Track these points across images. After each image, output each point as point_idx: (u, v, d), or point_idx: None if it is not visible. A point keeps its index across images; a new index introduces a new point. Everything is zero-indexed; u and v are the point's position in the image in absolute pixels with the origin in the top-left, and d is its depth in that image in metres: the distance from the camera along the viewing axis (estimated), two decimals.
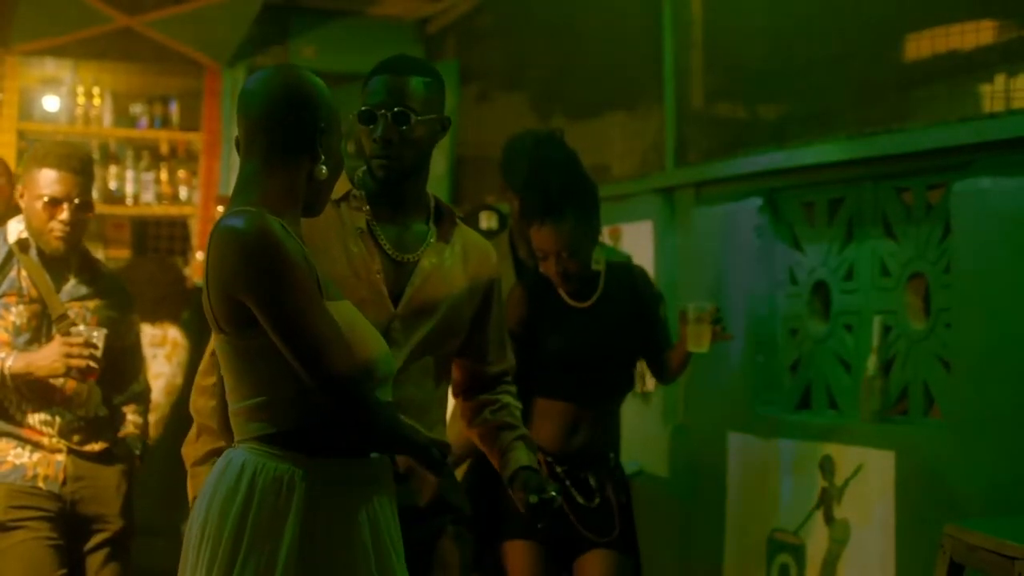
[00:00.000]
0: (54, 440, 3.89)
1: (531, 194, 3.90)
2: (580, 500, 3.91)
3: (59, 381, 3.87)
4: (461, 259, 3.05)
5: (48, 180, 3.85)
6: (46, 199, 3.84)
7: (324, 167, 2.56)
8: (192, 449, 2.96)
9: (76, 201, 3.86)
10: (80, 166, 3.92)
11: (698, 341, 3.94)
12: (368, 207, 2.97)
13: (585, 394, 3.93)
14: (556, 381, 3.84)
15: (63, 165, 3.87)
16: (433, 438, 2.64)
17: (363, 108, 2.92)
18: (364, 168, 3.03)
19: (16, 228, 3.95)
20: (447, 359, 3.08)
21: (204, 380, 2.97)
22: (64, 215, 3.85)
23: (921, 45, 4.45)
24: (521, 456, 3.06)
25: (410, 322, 2.94)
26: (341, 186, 2.96)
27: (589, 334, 3.93)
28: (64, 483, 3.89)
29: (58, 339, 3.83)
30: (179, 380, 6.07)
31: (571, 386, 3.90)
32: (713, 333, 3.94)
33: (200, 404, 2.96)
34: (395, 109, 2.89)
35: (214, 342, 2.61)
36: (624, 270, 4.12)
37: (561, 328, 3.91)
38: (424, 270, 2.96)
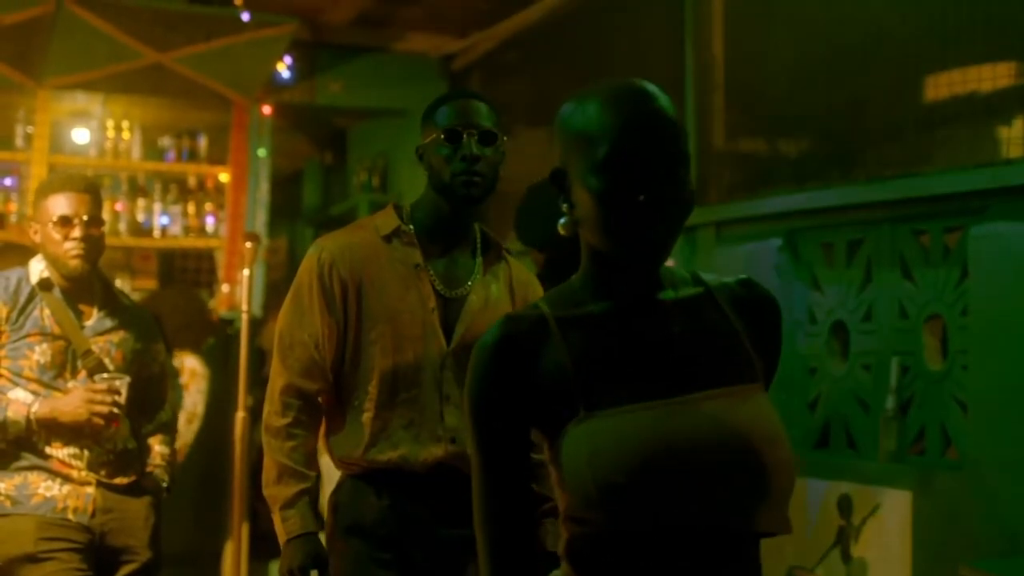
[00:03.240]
0: (83, 473, 3.94)
1: (554, 278, 3.95)
2: None
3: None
4: (507, 292, 3.14)
5: (56, 203, 3.93)
6: (55, 219, 3.91)
7: (568, 218, 1.91)
8: (278, 491, 3.00)
9: (85, 218, 3.93)
10: (84, 185, 4.00)
11: None
12: (418, 243, 3.04)
13: None
14: None
15: (67, 186, 3.96)
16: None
17: (447, 128, 2.99)
18: (414, 202, 3.11)
19: (37, 268, 4.02)
20: None
21: (277, 421, 3.03)
22: (76, 232, 3.91)
23: (940, 89, 4.49)
24: (546, 540, 3.11)
25: (463, 358, 2.92)
26: (389, 221, 3.06)
27: None
28: (93, 515, 3.94)
29: (82, 386, 3.89)
30: (200, 408, 6.14)
31: None
32: None
33: (276, 445, 3.01)
34: (481, 129, 3.00)
35: None
36: None
37: None
38: (473, 306, 3.04)
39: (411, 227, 3.05)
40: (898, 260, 4.45)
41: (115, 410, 3.86)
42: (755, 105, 5.58)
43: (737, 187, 5.54)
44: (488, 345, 1.89)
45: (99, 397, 3.83)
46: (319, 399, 3.09)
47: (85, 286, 4.04)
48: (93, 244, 3.98)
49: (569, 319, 1.90)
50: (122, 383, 3.89)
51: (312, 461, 3.05)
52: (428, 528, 2.98)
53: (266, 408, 3.08)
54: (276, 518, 3.01)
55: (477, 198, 3.01)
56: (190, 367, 6.20)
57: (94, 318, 4.04)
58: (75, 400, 3.84)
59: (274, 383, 3.07)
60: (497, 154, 3.04)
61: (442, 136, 2.99)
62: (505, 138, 3.08)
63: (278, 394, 3.04)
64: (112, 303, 4.11)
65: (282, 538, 3.00)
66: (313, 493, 3.03)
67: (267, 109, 7.14)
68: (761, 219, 5.14)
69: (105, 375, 3.91)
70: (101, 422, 3.85)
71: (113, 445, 3.98)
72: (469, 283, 3.07)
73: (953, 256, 4.20)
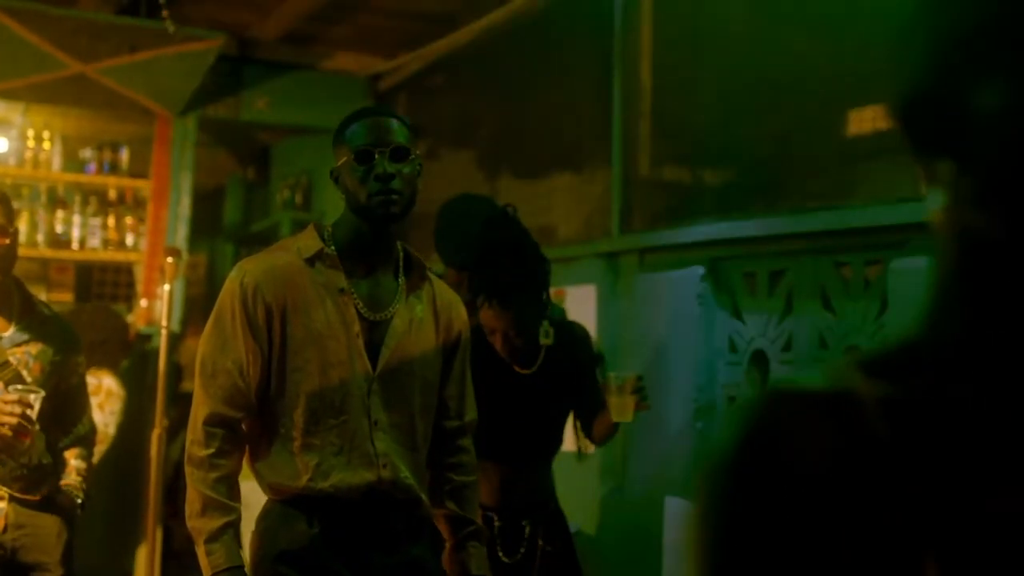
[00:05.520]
0: None
1: (480, 276, 3.92)
2: (504, 559, 3.93)
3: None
4: (431, 312, 3.11)
5: None
6: None
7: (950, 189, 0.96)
8: (202, 523, 2.93)
9: None
10: None
11: (621, 411, 3.87)
12: (341, 265, 2.99)
13: (520, 456, 3.97)
14: (492, 444, 3.79)
15: None
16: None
17: (358, 149, 2.93)
18: (334, 221, 3.07)
19: None
20: (429, 414, 3.12)
21: (200, 451, 2.95)
22: None
23: (863, 123, 4.55)
24: (470, 563, 3.15)
25: (388, 382, 2.99)
26: (311, 244, 3.00)
27: (529, 401, 3.96)
28: (5, 531, 3.88)
29: None
30: (111, 430, 6.06)
31: (506, 449, 3.92)
32: (636, 403, 3.87)
33: (199, 476, 2.94)
34: (392, 146, 2.94)
35: None
36: (567, 332, 4.14)
37: (502, 394, 3.91)
38: (397, 330, 3.01)
39: (333, 249, 3.01)
40: (819, 291, 4.49)
41: (25, 423, 3.77)
42: (681, 134, 5.63)
43: (661, 215, 5.58)
44: (730, 466, 0.94)
45: (8, 409, 3.75)
46: (243, 426, 3.03)
47: (2, 297, 3.97)
48: (2, 255, 3.90)
49: (922, 409, 0.90)
50: (36, 397, 3.81)
51: (236, 491, 2.99)
52: (359, 555, 2.95)
53: (188, 438, 3.01)
54: (200, 551, 2.94)
55: (396, 215, 2.96)
56: (107, 387, 6.12)
57: (12, 329, 3.97)
58: None
59: (196, 412, 3.00)
60: (413, 168, 2.98)
61: (353, 158, 2.94)
62: (418, 152, 3.03)
63: (201, 424, 2.97)
64: (31, 314, 4.05)
65: (207, 572, 2.93)
66: (237, 524, 2.97)
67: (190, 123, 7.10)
68: (684, 247, 5.18)
69: (19, 387, 3.83)
70: (9, 434, 3.76)
71: (28, 459, 3.91)
72: (393, 305, 3.03)
73: (873, 289, 4.26)
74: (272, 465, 2.98)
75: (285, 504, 2.98)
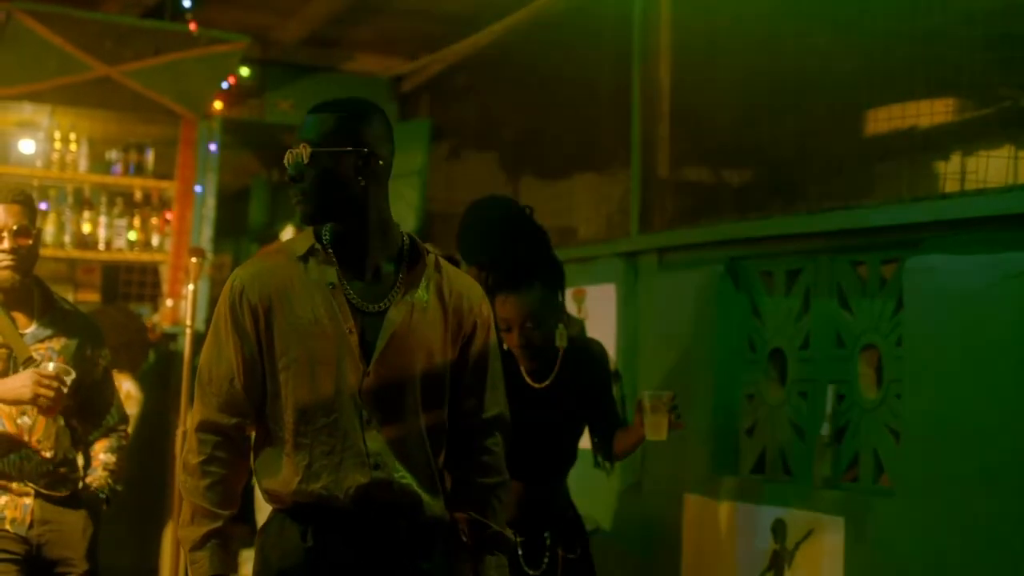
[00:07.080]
0: (21, 483, 3.93)
1: (501, 265, 3.93)
2: (529, 572, 3.92)
3: (25, 422, 3.91)
4: (438, 301, 2.95)
5: None
6: None
7: None
8: (189, 531, 2.88)
9: (14, 228, 3.89)
10: (11, 196, 3.92)
11: (656, 430, 3.87)
12: (335, 260, 2.88)
13: (535, 472, 3.95)
14: (508, 459, 3.43)
15: None
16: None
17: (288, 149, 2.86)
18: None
19: None
20: (438, 409, 2.95)
21: (193, 459, 2.89)
22: (5, 244, 3.87)
23: (880, 123, 4.57)
24: (483, 573, 3.01)
25: (384, 376, 2.85)
26: (305, 242, 2.90)
27: (542, 417, 3.95)
28: (31, 526, 3.91)
29: (30, 369, 3.86)
30: (129, 431, 6.11)
31: (519, 465, 3.72)
32: (669, 421, 3.86)
33: (191, 484, 2.89)
34: (300, 143, 2.83)
35: None
36: (583, 348, 4.13)
37: (515, 408, 3.85)
38: (393, 321, 2.86)
39: (328, 245, 2.90)
40: (836, 290, 4.52)
41: (58, 400, 3.79)
42: (700, 134, 5.65)
43: (680, 215, 5.60)
44: None
45: (46, 382, 3.78)
46: (243, 432, 2.94)
47: (24, 295, 4.01)
48: (23, 255, 3.93)
49: None
50: (70, 378, 3.85)
51: (228, 499, 2.90)
52: (357, 571, 2.85)
53: (184, 447, 2.96)
54: (187, 559, 2.89)
55: (311, 216, 2.85)
56: (126, 390, 6.15)
57: (34, 325, 4.01)
58: (22, 378, 3.78)
59: (192, 420, 2.94)
60: (320, 162, 2.81)
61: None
62: (332, 145, 2.82)
63: (194, 431, 2.91)
64: (52, 310, 4.08)
65: None
66: (225, 532, 2.89)
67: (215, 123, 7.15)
68: (703, 246, 5.21)
69: (52, 365, 3.86)
70: (47, 403, 3.80)
71: (53, 455, 3.96)
72: (389, 296, 2.89)
73: (889, 287, 4.28)
74: (267, 469, 2.90)
75: (282, 515, 2.89)
